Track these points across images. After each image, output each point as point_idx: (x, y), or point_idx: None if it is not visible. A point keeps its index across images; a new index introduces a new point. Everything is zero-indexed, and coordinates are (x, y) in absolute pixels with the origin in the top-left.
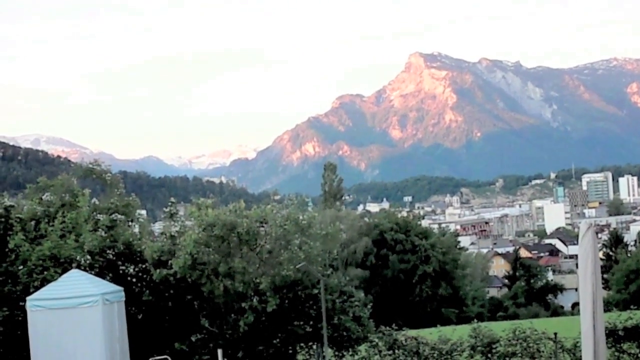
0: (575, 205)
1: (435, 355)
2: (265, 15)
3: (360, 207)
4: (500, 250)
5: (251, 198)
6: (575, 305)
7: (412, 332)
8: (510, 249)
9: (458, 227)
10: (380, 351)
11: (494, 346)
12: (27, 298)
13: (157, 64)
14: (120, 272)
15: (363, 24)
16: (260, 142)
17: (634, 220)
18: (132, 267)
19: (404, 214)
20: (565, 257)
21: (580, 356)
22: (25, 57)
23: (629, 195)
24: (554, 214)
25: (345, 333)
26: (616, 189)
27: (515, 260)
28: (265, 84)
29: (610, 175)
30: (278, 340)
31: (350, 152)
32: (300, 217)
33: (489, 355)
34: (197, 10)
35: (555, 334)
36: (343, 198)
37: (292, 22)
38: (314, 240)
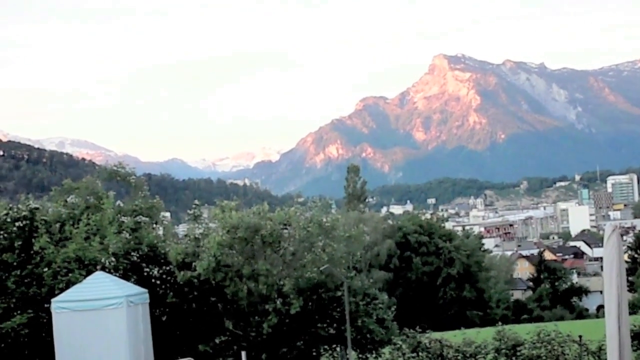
0: (600, 208)
1: (459, 357)
2: (289, 17)
3: (384, 210)
4: (524, 253)
5: (275, 200)
6: (600, 307)
7: (436, 335)
8: (535, 252)
9: (482, 229)
10: (404, 354)
11: (518, 349)
12: (52, 300)
13: (182, 67)
14: (145, 274)
15: (387, 26)
16: (284, 145)
17: None
18: (157, 269)
19: (428, 216)
20: (590, 260)
21: (606, 359)
22: (50, 60)
23: None
24: (579, 216)
25: (368, 335)
26: None
27: (539, 263)
28: (288, 86)
29: (635, 177)
30: (302, 342)
31: (374, 154)
32: (324, 220)
33: (514, 358)
34: (221, 13)
35: (580, 336)
36: (366, 200)
37: (316, 25)
38: (337, 242)
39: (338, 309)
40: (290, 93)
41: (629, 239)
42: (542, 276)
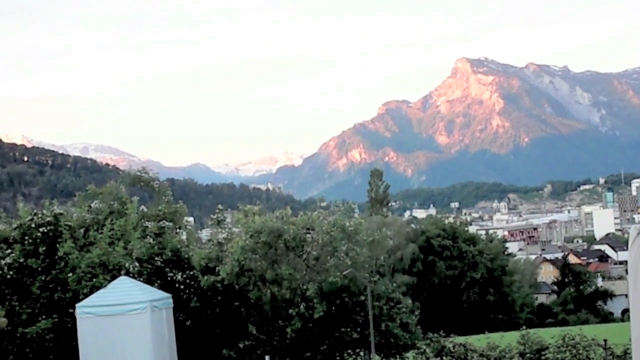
0: (624, 211)
1: None
2: (311, 21)
3: (407, 214)
4: (548, 257)
5: (297, 205)
6: (625, 311)
7: (460, 339)
8: (559, 255)
9: (506, 233)
10: (428, 358)
11: (543, 353)
12: (77, 305)
13: (204, 72)
14: (169, 278)
15: (409, 30)
16: (307, 149)
17: None
18: (180, 273)
19: (451, 220)
20: (615, 263)
21: None
22: (74, 66)
23: None
24: (603, 220)
25: (392, 340)
26: None
27: (564, 266)
28: (311, 90)
29: None
30: (325, 347)
31: (397, 158)
32: (347, 224)
33: None
34: (243, 19)
35: (605, 340)
36: (389, 204)
37: (338, 28)
38: (360, 246)
39: (361, 313)
40: (313, 97)
41: None
42: (566, 280)
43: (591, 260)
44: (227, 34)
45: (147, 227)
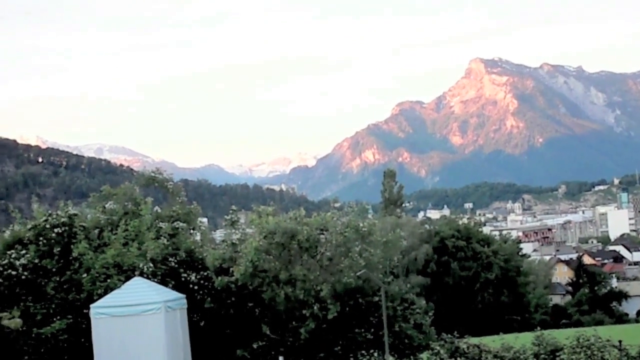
0: (639, 211)
1: None
2: (325, 22)
3: (421, 214)
4: (563, 257)
5: (311, 205)
6: None
7: (474, 340)
8: (574, 256)
9: (520, 233)
10: (442, 359)
11: (557, 354)
12: (91, 305)
13: (218, 73)
14: (182, 279)
15: (423, 30)
16: (320, 150)
17: None
18: (194, 274)
19: (465, 220)
20: (630, 264)
21: None
22: (88, 68)
23: None
24: (618, 220)
25: (406, 340)
26: None
27: (578, 267)
28: (324, 91)
29: None
30: (339, 347)
31: (411, 159)
32: (361, 225)
33: None
34: (257, 20)
35: (620, 341)
36: (403, 205)
37: (352, 29)
38: (374, 247)
39: (375, 314)
40: (326, 98)
41: None
42: (581, 281)
43: (606, 261)
44: (241, 35)
45: (161, 227)
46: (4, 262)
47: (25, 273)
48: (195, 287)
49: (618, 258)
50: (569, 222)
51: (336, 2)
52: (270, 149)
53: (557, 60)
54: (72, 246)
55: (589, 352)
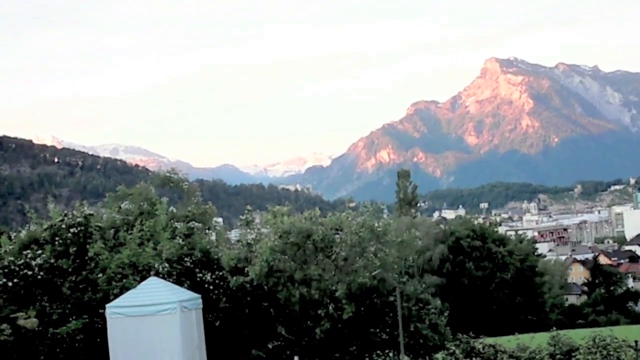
0: None
1: None
2: (340, 23)
3: (436, 214)
4: (579, 257)
5: (326, 205)
6: None
7: (490, 340)
8: (590, 256)
9: (536, 233)
10: (457, 359)
11: (573, 354)
12: (107, 305)
13: (233, 74)
14: (198, 279)
15: (438, 30)
16: (335, 150)
17: None
18: (209, 274)
19: (480, 220)
20: None
21: None
22: (103, 67)
23: None
24: (634, 220)
25: (421, 341)
26: None
27: (594, 267)
28: (339, 90)
29: None
30: (354, 347)
31: (426, 159)
32: (376, 225)
33: None
34: (271, 22)
35: (636, 341)
36: (418, 205)
37: (367, 30)
38: (389, 247)
39: (390, 314)
40: (342, 98)
41: None
42: (597, 281)
43: (622, 261)
44: (255, 35)
45: (176, 227)
46: (20, 262)
47: (41, 273)
48: (211, 287)
49: (634, 258)
50: (585, 222)
51: (351, 2)
52: (285, 149)
53: (573, 60)
54: (87, 246)
55: (604, 353)
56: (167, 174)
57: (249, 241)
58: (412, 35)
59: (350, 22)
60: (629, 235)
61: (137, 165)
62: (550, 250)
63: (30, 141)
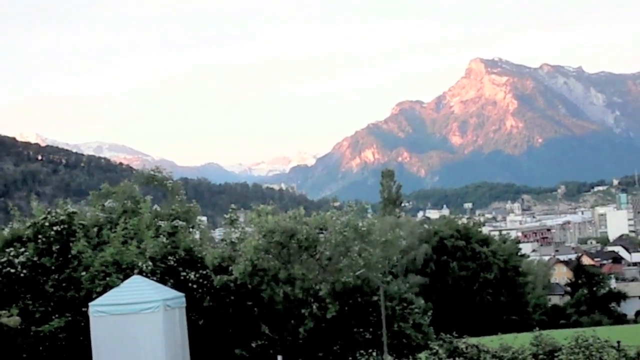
0: (638, 212)
1: None
2: (325, 23)
3: (420, 214)
4: (562, 258)
5: (310, 205)
6: (639, 313)
7: (473, 340)
8: (573, 256)
9: (519, 234)
10: (440, 359)
11: (556, 354)
12: (90, 304)
13: (217, 72)
14: (182, 278)
15: (423, 30)
16: (320, 149)
17: None
18: (193, 273)
19: (464, 220)
20: (629, 265)
21: None
22: (88, 65)
23: None
24: (617, 221)
25: (405, 340)
26: None
27: (577, 268)
28: (324, 90)
29: None
30: (338, 347)
31: (410, 159)
32: (360, 224)
33: None
34: (256, 22)
35: (619, 342)
36: (402, 205)
37: (352, 30)
38: (373, 246)
39: (374, 314)
40: (326, 97)
41: None
42: (580, 281)
43: (605, 262)
44: (240, 35)
45: (160, 226)
46: (3, 260)
47: (24, 271)
48: (195, 286)
49: (617, 259)
50: (568, 222)
51: (337, 3)
52: (270, 148)
53: (557, 61)
54: (71, 244)
55: (587, 353)
56: (151, 173)
57: (233, 240)
58: (397, 36)
59: (336, 23)
60: (612, 236)
61: (121, 164)
62: (533, 251)
63: (14, 139)
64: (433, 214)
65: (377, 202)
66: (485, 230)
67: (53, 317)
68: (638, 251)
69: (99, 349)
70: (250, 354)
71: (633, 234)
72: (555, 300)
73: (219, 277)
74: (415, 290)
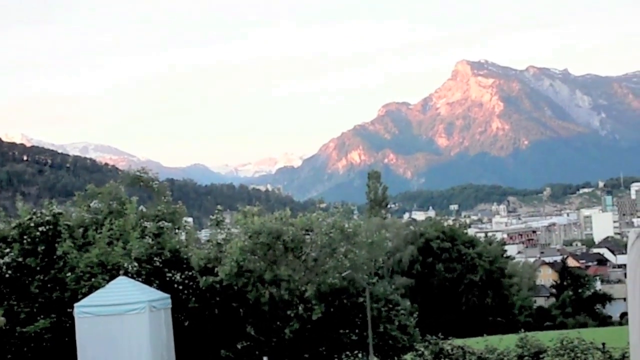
0: (624, 214)
1: None
2: (312, 23)
3: (406, 216)
4: (547, 260)
5: (297, 206)
6: (624, 315)
7: (459, 341)
8: (558, 258)
9: (505, 235)
10: None
11: (541, 356)
12: (75, 305)
13: (205, 73)
14: (167, 279)
15: (409, 32)
16: (306, 150)
17: None
18: (179, 274)
19: (450, 222)
20: (614, 267)
21: None
22: (74, 65)
23: None
24: (603, 223)
25: (390, 342)
26: None
27: (562, 270)
28: (310, 91)
29: None
30: (323, 348)
31: (397, 160)
32: (346, 225)
33: None
34: (242, 23)
35: (604, 344)
36: (388, 206)
37: (338, 30)
38: (359, 248)
39: (360, 315)
40: (313, 98)
41: None
42: (565, 283)
43: (590, 264)
44: (226, 36)
45: (146, 227)
46: None
47: (9, 272)
48: (180, 287)
49: (602, 261)
50: (554, 224)
51: (323, 3)
52: (256, 149)
53: (543, 63)
54: (56, 245)
55: (572, 355)
56: (137, 173)
57: (219, 241)
58: (383, 37)
59: (323, 24)
60: (597, 238)
61: (106, 164)
62: (519, 253)
63: None
64: (419, 216)
65: (363, 204)
66: (471, 231)
67: (38, 317)
68: (623, 253)
69: (84, 350)
70: (236, 355)
71: (618, 236)
72: (540, 302)
73: (204, 278)
74: (401, 292)
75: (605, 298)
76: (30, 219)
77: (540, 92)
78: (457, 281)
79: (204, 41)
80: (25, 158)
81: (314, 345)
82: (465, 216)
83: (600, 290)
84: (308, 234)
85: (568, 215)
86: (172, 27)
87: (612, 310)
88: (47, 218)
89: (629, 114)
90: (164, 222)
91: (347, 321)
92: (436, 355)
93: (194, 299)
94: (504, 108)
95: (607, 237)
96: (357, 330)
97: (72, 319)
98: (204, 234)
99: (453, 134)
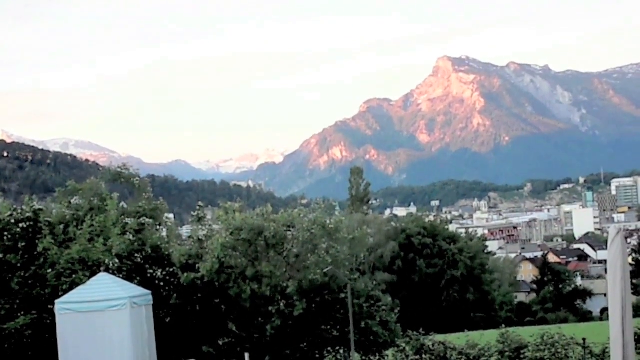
0: (604, 210)
1: None
2: (293, 19)
3: (388, 212)
4: (528, 255)
5: (278, 202)
6: (604, 310)
7: (440, 337)
8: (539, 254)
9: (486, 231)
10: (407, 356)
11: (522, 351)
12: (56, 301)
13: (185, 68)
14: (148, 275)
15: (391, 28)
16: (288, 146)
17: None
18: (160, 270)
19: (432, 218)
20: (594, 262)
21: None
22: (54, 61)
23: None
24: (583, 219)
25: (372, 337)
26: None
27: (543, 265)
28: (292, 87)
29: (639, 179)
30: (305, 344)
31: (378, 156)
32: (328, 221)
33: None
34: (222, 17)
35: (584, 339)
36: (370, 202)
37: (320, 26)
38: (341, 244)
39: (341, 311)
40: (294, 94)
41: (633, 241)
42: (546, 279)
43: (570, 259)
44: (206, 31)
45: (127, 223)
46: None
47: None
48: (161, 283)
49: (583, 256)
50: (534, 220)
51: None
52: (238, 145)
53: (524, 59)
54: (37, 241)
55: (553, 350)
56: (118, 169)
57: (200, 237)
58: (364, 33)
59: (304, 19)
60: (577, 234)
61: (87, 160)
62: (500, 248)
63: None
64: (400, 212)
65: (344, 200)
66: (452, 227)
67: (19, 314)
68: (604, 249)
69: (65, 346)
70: (218, 351)
71: (599, 232)
72: (521, 297)
73: (186, 274)
74: (383, 288)
75: (586, 294)
76: (11, 215)
77: (521, 88)
78: (438, 277)
79: (185, 37)
80: (5, 154)
81: (296, 341)
82: (446, 212)
83: (580, 285)
84: (290, 230)
85: (549, 211)
86: (153, 23)
87: (593, 305)
88: (28, 214)
89: (609, 110)
90: (145, 218)
91: (329, 317)
92: (417, 350)
93: (175, 295)
94: (485, 104)
95: (588, 233)
96: (338, 326)
97: (53, 315)
98: (185, 231)
99: (434, 130)
